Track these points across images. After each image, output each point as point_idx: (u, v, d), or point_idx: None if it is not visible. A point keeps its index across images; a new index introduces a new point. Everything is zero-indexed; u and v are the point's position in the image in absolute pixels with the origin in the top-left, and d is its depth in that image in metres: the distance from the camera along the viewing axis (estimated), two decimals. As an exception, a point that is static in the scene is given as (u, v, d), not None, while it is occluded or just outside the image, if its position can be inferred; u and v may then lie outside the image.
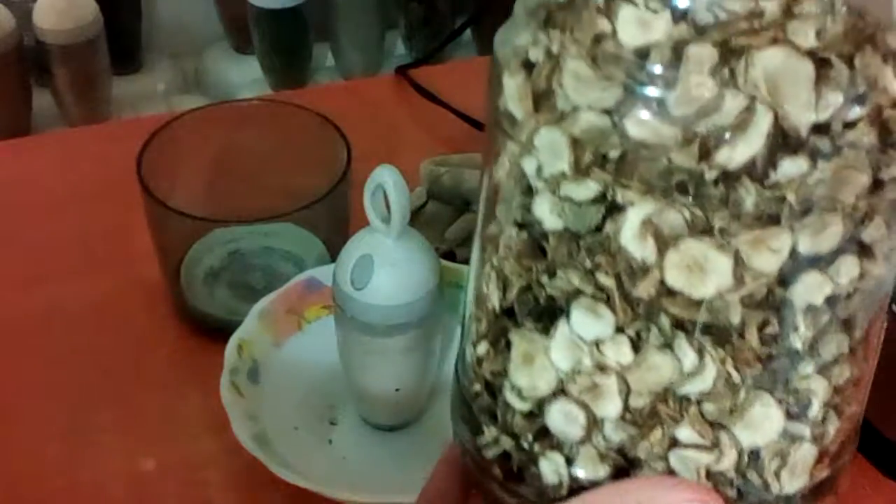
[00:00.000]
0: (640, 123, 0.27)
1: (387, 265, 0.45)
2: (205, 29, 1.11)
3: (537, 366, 0.31)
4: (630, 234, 0.28)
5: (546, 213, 0.30)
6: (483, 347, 0.33)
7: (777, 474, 0.31)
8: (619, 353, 0.29)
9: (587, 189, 0.28)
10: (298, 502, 0.46)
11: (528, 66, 0.30)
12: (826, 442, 0.32)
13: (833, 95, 0.26)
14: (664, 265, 0.28)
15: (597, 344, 0.30)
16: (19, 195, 0.66)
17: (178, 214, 0.53)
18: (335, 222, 0.56)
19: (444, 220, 0.60)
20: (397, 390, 0.49)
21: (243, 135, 0.59)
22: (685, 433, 0.30)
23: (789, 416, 0.30)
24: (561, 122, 0.28)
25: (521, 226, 0.31)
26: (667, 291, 0.28)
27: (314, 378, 0.52)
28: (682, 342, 0.29)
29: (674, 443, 0.30)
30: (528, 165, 0.30)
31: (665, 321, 0.29)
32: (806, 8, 0.27)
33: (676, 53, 0.27)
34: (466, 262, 0.57)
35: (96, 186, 0.66)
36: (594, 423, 0.30)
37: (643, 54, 0.27)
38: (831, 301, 0.29)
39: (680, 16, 0.27)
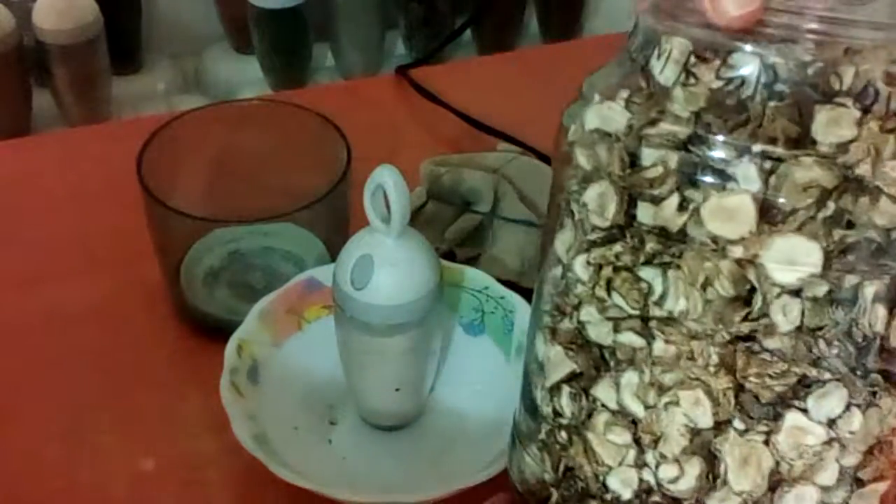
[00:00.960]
0: (881, 213, 0.29)
1: (387, 265, 0.45)
2: (205, 29, 1.10)
3: (754, 464, 0.32)
4: (867, 312, 0.30)
5: (781, 316, 0.31)
6: (672, 470, 0.33)
7: None
8: (851, 423, 0.31)
9: (826, 284, 0.30)
10: (298, 502, 0.46)
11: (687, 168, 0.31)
12: None
13: None
14: (891, 330, 0.31)
15: (829, 422, 0.31)
16: (19, 195, 0.66)
17: (178, 214, 0.53)
18: (335, 222, 0.56)
19: (444, 220, 0.60)
20: (397, 390, 0.49)
21: (243, 135, 0.59)
22: (867, 469, 0.33)
23: None
24: (790, 229, 0.30)
25: (691, 336, 0.32)
26: (883, 351, 0.31)
27: (314, 378, 0.52)
28: (883, 391, 0.32)
29: (860, 483, 0.33)
30: (750, 274, 0.31)
31: (877, 378, 0.31)
32: None
33: (873, 146, 0.29)
34: (466, 262, 0.57)
35: (96, 186, 0.66)
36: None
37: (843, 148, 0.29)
38: None
39: (866, 110, 0.30)
